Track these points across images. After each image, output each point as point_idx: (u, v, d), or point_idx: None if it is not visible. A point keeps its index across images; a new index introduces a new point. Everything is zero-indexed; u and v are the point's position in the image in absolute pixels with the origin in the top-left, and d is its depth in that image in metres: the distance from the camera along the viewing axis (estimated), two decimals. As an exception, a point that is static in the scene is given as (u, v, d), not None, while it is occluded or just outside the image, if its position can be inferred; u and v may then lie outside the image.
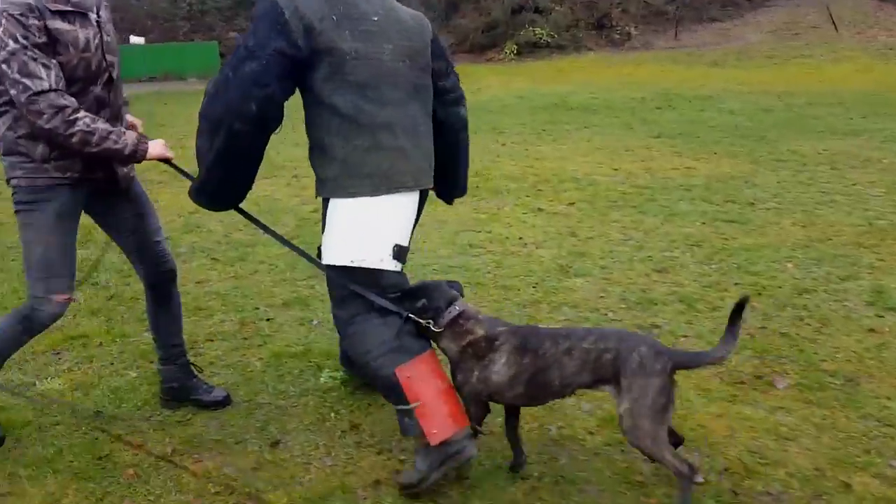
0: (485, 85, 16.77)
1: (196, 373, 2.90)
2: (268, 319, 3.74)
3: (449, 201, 2.82)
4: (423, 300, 2.27)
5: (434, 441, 2.16)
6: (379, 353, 2.25)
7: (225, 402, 2.87)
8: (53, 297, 2.42)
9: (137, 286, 4.22)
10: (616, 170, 7.28)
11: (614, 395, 2.12)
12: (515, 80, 18.11)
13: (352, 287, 2.27)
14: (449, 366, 2.33)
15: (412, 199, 2.37)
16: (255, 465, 2.51)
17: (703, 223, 5.33)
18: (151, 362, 3.28)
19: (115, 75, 2.44)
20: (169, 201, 6.18)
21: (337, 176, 2.24)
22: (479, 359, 2.20)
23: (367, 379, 2.51)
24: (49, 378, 3.16)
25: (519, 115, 11.86)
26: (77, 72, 2.29)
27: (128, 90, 2.78)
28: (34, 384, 3.10)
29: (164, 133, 10.10)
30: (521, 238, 5.08)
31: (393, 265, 2.30)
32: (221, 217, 5.62)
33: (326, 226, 2.35)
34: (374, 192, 2.23)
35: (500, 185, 6.69)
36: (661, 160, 7.72)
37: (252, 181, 2.40)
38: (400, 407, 2.24)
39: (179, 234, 5.34)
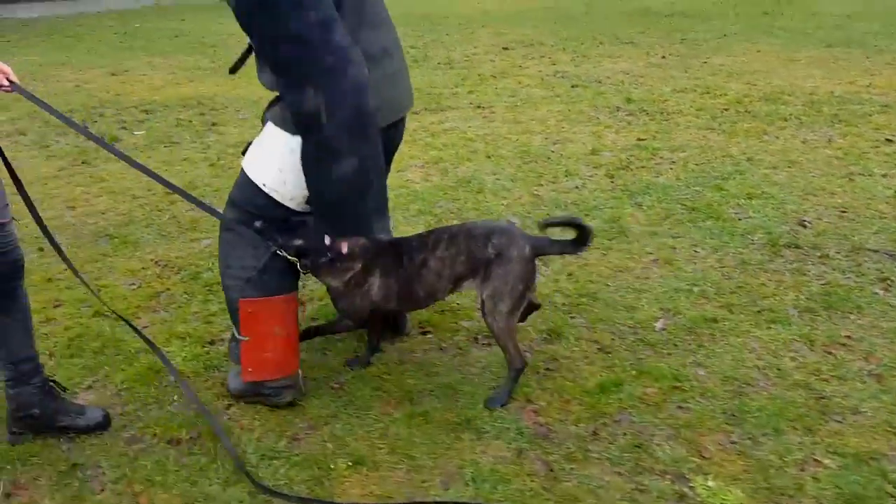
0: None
1: (59, 392, 2.23)
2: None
3: None
4: (300, 240, 2.16)
5: (245, 378, 2.24)
6: (235, 274, 2.21)
7: (105, 423, 2.20)
8: None
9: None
10: (769, 83, 6.40)
11: (477, 287, 2.23)
12: None
13: (246, 207, 2.21)
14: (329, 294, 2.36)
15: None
16: None
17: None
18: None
19: None
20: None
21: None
22: (360, 287, 2.26)
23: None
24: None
25: (505, 25, 10.26)
26: None
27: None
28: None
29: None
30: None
31: (302, 207, 2.20)
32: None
33: (266, 139, 2.18)
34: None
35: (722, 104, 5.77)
36: (796, 72, 6.82)
37: None
38: (234, 332, 2.28)
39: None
